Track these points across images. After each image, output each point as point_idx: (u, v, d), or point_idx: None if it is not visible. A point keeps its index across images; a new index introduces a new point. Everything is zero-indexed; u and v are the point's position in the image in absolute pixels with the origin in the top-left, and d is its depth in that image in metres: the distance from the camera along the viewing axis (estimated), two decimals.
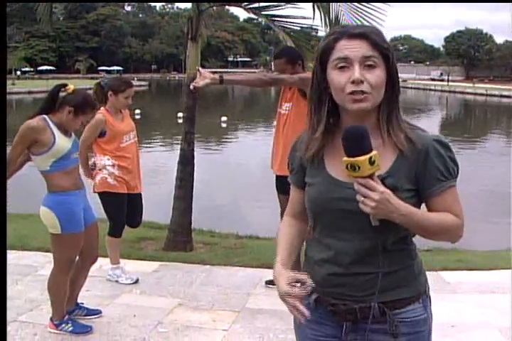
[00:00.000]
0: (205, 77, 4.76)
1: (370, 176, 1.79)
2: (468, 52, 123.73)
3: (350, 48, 1.89)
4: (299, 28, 7.14)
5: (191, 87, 4.95)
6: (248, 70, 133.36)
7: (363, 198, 1.81)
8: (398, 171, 1.94)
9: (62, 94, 4.39)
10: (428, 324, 2.07)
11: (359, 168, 1.76)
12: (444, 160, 1.95)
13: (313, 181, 2.08)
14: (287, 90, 5.40)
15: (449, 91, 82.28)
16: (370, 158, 1.76)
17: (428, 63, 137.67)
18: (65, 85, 4.36)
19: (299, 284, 1.99)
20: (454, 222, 1.97)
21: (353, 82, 1.87)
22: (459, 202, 2.01)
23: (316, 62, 2.00)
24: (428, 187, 1.96)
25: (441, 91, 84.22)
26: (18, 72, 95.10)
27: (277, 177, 5.50)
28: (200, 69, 4.83)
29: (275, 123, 5.64)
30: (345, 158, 1.78)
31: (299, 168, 2.17)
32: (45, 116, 4.26)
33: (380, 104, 1.96)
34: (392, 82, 1.95)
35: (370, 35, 1.90)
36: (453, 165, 1.97)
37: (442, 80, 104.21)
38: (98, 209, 5.55)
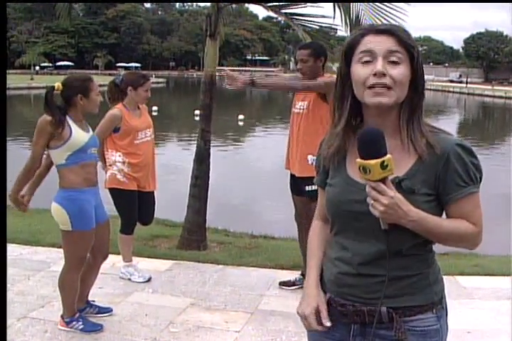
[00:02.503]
0: (235, 79, 4.75)
1: (382, 180, 1.77)
2: (488, 54, 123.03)
3: (376, 42, 1.88)
4: (318, 27, 7.09)
5: (227, 87, 4.96)
6: (266, 69, 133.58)
7: (372, 201, 1.79)
8: (416, 174, 1.90)
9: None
10: (440, 336, 2.01)
11: (370, 171, 1.74)
12: (465, 165, 1.90)
13: (333, 181, 2.07)
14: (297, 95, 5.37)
15: (468, 94, 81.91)
16: (383, 162, 1.73)
17: (447, 65, 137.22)
18: (53, 87, 4.32)
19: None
20: (469, 231, 1.93)
21: (375, 75, 1.84)
22: (480, 210, 1.96)
23: (341, 56, 1.98)
24: (447, 193, 1.91)
25: (460, 93, 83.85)
26: (37, 67, 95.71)
27: (291, 177, 5.44)
28: (225, 69, 4.81)
29: (290, 123, 5.58)
30: (358, 160, 1.77)
31: (323, 168, 2.15)
32: None
33: (401, 105, 1.92)
34: (415, 82, 1.92)
35: (396, 32, 1.89)
36: (475, 170, 1.92)
37: (461, 82, 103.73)
38: (111, 206, 5.54)
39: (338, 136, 2.02)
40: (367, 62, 1.88)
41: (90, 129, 4.50)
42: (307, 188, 5.13)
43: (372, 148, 1.74)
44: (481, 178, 1.94)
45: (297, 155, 5.25)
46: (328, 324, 2.01)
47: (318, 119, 5.05)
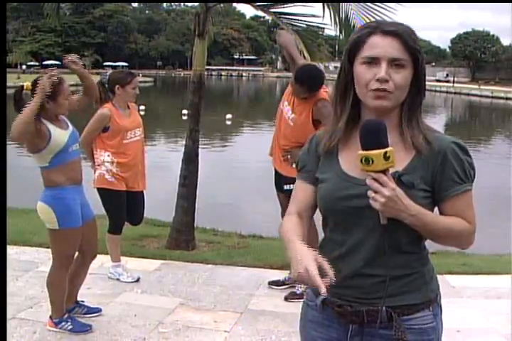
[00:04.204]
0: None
1: (384, 172, 1.78)
2: (475, 53, 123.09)
3: (381, 47, 1.88)
4: (306, 26, 7.07)
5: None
6: (254, 68, 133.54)
7: (373, 194, 1.79)
8: (415, 170, 1.92)
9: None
10: (436, 333, 2.03)
11: (373, 161, 1.76)
12: (462, 163, 1.93)
13: (326, 177, 2.05)
14: (289, 94, 5.34)
15: (455, 93, 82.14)
16: (386, 152, 1.75)
17: (434, 64, 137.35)
18: (22, 87, 4.24)
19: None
20: (465, 228, 1.94)
21: (378, 80, 1.86)
22: (473, 208, 1.98)
23: (345, 53, 1.99)
24: (444, 190, 1.93)
25: (447, 92, 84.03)
26: (24, 66, 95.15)
27: (276, 173, 5.45)
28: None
29: (277, 117, 5.56)
30: (360, 152, 1.79)
31: (313, 164, 2.12)
32: None
33: (402, 104, 1.95)
34: (418, 84, 1.94)
35: (403, 35, 1.89)
36: (470, 168, 1.95)
37: (448, 81, 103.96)
38: (100, 205, 5.51)
39: (341, 130, 2.02)
40: (370, 63, 1.88)
41: (69, 125, 4.41)
42: (285, 187, 5.19)
43: (376, 138, 1.77)
44: (474, 176, 1.97)
45: (280, 156, 5.28)
46: (332, 275, 1.74)
47: (303, 135, 5.02)
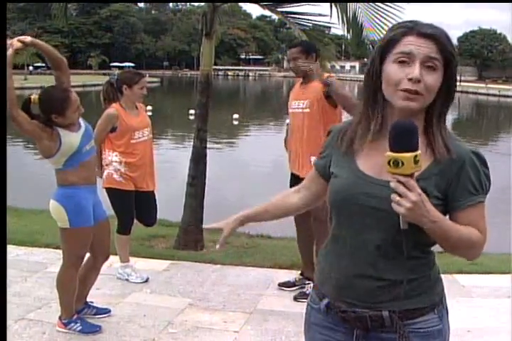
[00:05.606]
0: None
1: (411, 176, 1.72)
2: (482, 52, 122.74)
3: (417, 45, 1.83)
4: (314, 25, 7.07)
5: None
6: (260, 68, 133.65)
7: (398, 197, 1.72)
8: (430, 176, 1.87)
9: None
10: (443, 335, 2.00)
11: (403, 164, 1.68)
12: (478, 173, 1.90)
13: (340, 173, 2.03)
14: (297, 89, 5.33)
15: (462, 92, 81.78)
16: (416, 156, 1.69)
17: None
18: (30, 100, 4.19)
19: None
20: (479, 239, 1.91)
21: (410, 79, 1.81)
22: (485, 219, 1.95)
23: (377, 52, 1.93)
24: (457, 199, 1.90)
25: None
26: (31, 68, 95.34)
27: (293, 176, 5.41)
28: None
29: (288, 121, 5.56)
30: (389, 153, 1.70)
31: (330, 155, 2.12)
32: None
33: (429, 108, 1.90)
34: (448, 89, 1.90)
35: (439, 38, 1.84)
36: (486, 180, 1.92)
37: None
38: (109, 205, 5.51)
39: (373, 132, 1.95)
40: (403, 62, 1.84)
41: (82, 124, 4.34)
42: None
43: (408, 140, 1.70)
44: (489, 188, 1.94)
45: (301, 156, 5.22)
46: (217, 247, 2.44)
47: (322, 120, 5.02)
